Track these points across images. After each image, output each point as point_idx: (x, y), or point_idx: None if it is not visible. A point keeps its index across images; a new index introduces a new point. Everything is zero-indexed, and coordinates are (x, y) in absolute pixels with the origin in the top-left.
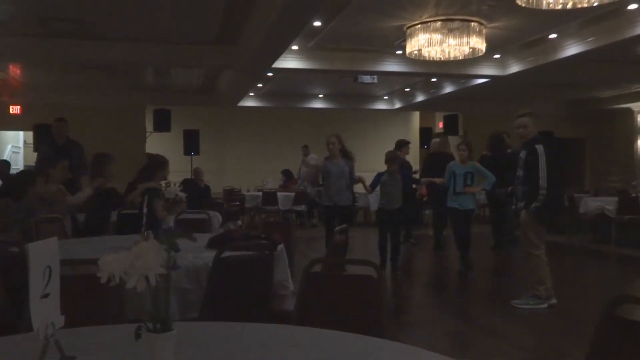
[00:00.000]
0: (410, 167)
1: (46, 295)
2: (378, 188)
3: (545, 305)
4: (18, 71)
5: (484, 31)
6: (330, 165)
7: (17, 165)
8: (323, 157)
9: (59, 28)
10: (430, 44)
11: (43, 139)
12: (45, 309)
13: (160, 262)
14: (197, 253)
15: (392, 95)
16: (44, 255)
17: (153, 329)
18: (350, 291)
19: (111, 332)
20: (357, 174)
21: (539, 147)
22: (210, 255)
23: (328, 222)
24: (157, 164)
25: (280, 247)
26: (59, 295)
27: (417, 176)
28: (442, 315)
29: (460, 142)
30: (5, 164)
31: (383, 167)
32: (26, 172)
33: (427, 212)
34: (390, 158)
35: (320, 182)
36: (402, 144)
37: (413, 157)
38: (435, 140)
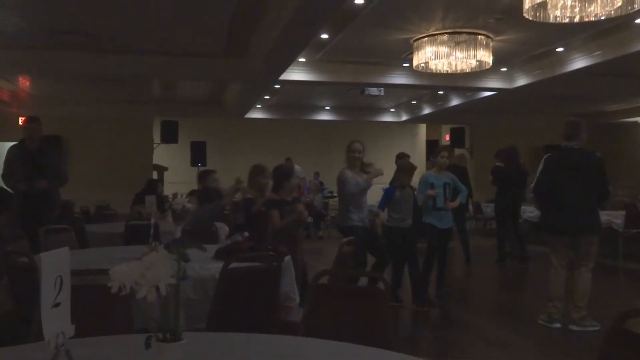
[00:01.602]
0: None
1: (57, 305)
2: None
3: (557, 325)
4: (27, 83)
5: (490, 44)
6: (353, 178)
7: None
8: (345, 168)
9: (68, 41)
10: (437, 56)
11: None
12: (56, 319)
13: (170, 272)
14: (204, 264)
15: (399, 107)
16: (56, 265)
17: (163, 339)
18: (357, 303)
19: (120, 341)
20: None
21: (545, 156)
22: (217, 266)
23: (362, 245)
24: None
25: (287, 258)
26: (69, 305)
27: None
28: (446, 327)
29: (442, 147)
30: None
31: (390, 179)
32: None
33: None
34: (410, 168)
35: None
36: (403, 157)
37: (419, 171)
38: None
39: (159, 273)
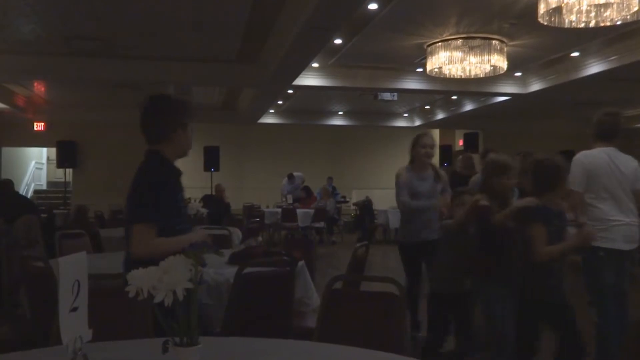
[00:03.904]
0: None
1: (75, 309)
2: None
3: None
4: (43, 89)
5: (505, 49)
6: (418, 179)
7: (41, 181)
8: (405, 167)
9: (83, 47)
10: (451, 61)
11: None
12: (73, 323)
13: (187, 277)
14: (218, 269)
15: (412, 112)
16: (73, 270)
17: (180, 343)
18: (372, 308)
19: (138, 346)
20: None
21: None
22: (231, 271)
23: (411, 267)
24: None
25: (301, 264)
26: (87, 309)
27: None
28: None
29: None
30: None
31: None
32: None
33: None
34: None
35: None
36: None
37: None
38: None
39: (177, 278)
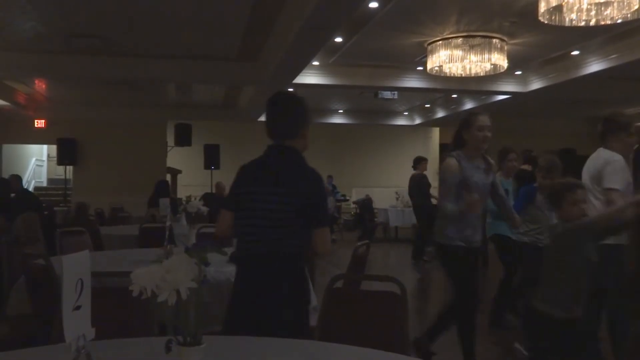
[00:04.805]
0: (429, 184)
1: (78, 308)
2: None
3: None
4: (43, 86)
5: (505, 47)
6: (472, 169)
7: (41, 178)
8: (455, 154)
9: (84, 45)
10: (451, 60)
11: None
12: (76, 322)
13: (190, 276)
14: (219, 267)
15: (412, 111)
16: (76, 268)
17: (184, 342)
18: (373, 307)
19: (141, 344)
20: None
21: None
22: (232, 269)
23: (464, 276)
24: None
25: None
26: (90, 308)
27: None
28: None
29: (508, 148)
30: (18, 178)
31: (403, 183)
32: None
33: None
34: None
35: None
36: (420, 161)
37: (433, 174)
38: None
39: (180, 277)
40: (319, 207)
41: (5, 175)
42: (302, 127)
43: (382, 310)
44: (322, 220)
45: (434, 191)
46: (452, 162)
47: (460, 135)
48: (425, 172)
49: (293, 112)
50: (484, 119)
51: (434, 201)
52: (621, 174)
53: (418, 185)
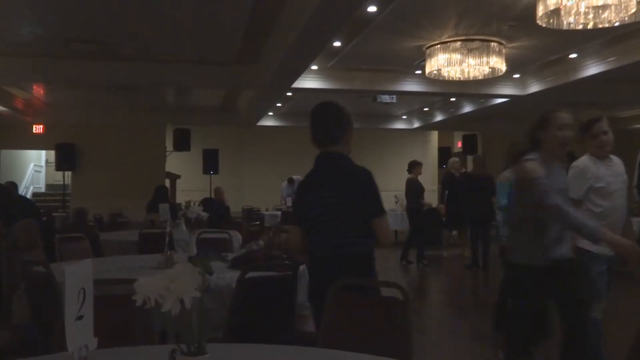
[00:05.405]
0: (423, 189)
1: (80, 317)
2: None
3: None
4: (42, 91)
5: (503, 51)
6: (550, 173)
7: (40, 184)
8: (532, 156)
9: (83, 49)
10: (449, 63)
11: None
12: (79, 331)
13: (194, 285)
14: (219, 273)
15: (411, 114)
16: (79, 277)
17: (188, 352)
18: (375, 313)
19: (143, 353)
20: None
21: None
22: (233, 275)
23: (538, 303)
24: None
25: (302, 267)
26: (92, 317)
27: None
28: (466, 338)
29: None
30: (13, 185)
31: (402, 187)
32: None
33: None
34: None
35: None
36: (415, 165)
37: (432, 177)
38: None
39: (184, 286)
40: (373, 198)
41: (2, 181)
42: (345, 133)
43: (385, 316)
44: (379, 210)
45: (430, 195)
46: (532, 169)
47: (534, 135)
48: (419, 176)
49: (340, 120)
50: (565, 117)
51: (434, 204)
52: (573, 182)
53: (412, 189)
